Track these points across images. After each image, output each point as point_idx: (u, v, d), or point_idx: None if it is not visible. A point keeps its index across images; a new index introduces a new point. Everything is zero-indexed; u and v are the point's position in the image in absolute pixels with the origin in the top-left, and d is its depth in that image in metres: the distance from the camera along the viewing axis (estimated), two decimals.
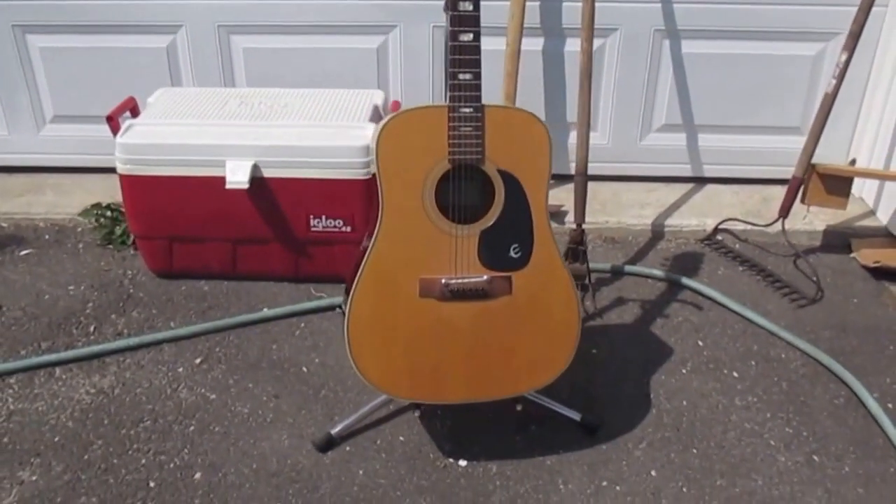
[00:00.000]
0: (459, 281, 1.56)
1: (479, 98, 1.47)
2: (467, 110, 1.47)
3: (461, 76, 1.47)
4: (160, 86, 2.37)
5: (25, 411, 1.77)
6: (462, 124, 1.48)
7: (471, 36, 1.46)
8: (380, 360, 1.59)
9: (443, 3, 1.54)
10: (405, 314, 1.57)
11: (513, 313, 1.59)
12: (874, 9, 2.15)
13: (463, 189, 1.52)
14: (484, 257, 1.56)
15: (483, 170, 1.51)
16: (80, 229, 2.43)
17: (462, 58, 1.46)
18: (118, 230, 2.35)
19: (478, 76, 1.46)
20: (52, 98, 2.54)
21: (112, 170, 2.09)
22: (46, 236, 2.40)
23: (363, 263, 1.54)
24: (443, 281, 1.55)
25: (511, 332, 1.60)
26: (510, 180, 1.53)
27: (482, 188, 1.53)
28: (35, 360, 1.90)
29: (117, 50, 2.45)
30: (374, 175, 1.99)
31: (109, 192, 2.47)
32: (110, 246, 2.35)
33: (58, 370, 1.89)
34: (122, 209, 2.36)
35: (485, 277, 1.56)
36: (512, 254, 1.57)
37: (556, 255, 1.58)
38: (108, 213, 2.39)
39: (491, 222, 1.54)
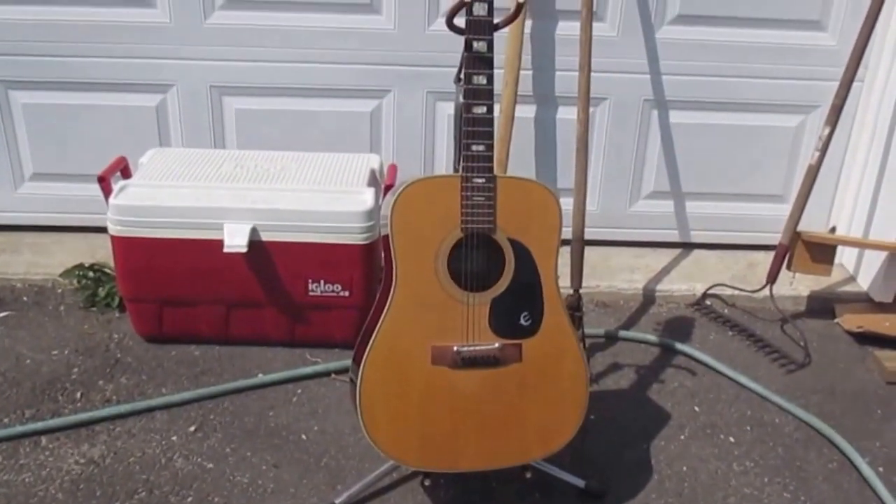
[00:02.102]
0: (471, 349, 1.61)
1: (491, 169, 1.55)
2: (480, 180, 1.55)
3: (474, 147, 1.55)
4: (147, 145, 2.41)
5: (11, 483, 1.75)
6: (475, 194, 1.55)
7: (484, 109, 1.55)
8: (392, 428, 1.63)
9: (453, 75, 1.64)
10: (417, 382, 1.61)
11: (523, 380, 1.65)
12: (853, 83, 2.31)
13: (475, 257, 1.59)
14: (495, 325, 1.62)
15: (494, 239, 1.58)
16: (60, 291, 2.42)
17: (476, 129, 1.55)
18: (102, 291, 2.35)
19: (490, 147, 1.55)
20: (31, 155, 2.55)
21: (94, 229, 2.11)
22: (25, 298, 2.39)
23: (375, 331, 1.58)
24: (455, 349, 1.61)
25: (521, 400, 1.66)
26: (521, 249, 1.60)
27: (493, 257, 1.61)
28: (19, 428, 1.88)
29: (104, 108, 2.48)
30: (373, 241, 2.08)
31: (91, 251, 2.48)
32: (94, 308, 2.34)
33: (44, 439, 1.87)
34: (106, 269, 2.37)
35: (496, 345, 1.62)
36: (522, 321, 1.64)
37: (566, 322, 1.65)
38: (91, 274, 2.39)
39: (502, 290, 1.60)
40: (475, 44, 1.52)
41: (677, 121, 2.54)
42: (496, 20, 1.52)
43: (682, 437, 1.96)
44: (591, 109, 2.47)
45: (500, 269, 1.60)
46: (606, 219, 2.66)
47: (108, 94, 2.47)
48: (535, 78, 2.46)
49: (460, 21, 1.51)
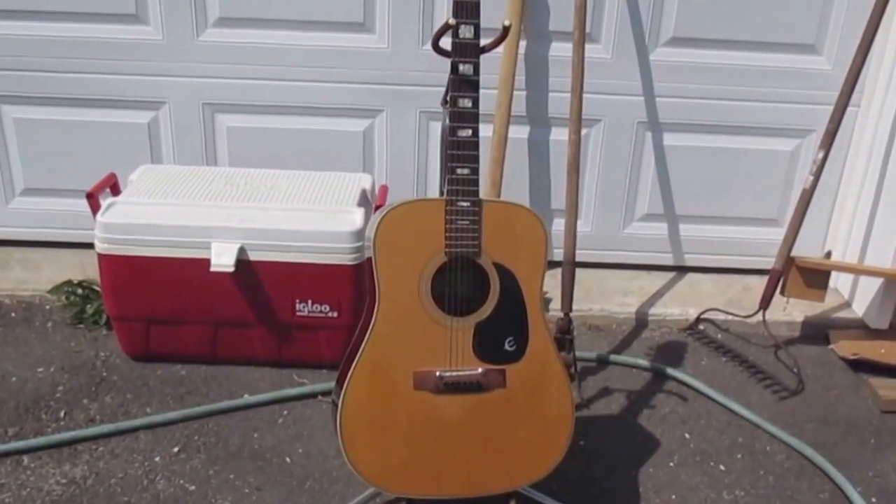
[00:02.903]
0: (454, 374, 1.61)
1: (476, 192, 1.55)
2: (465, 204, 1.55)
3: (459, 171, 1.55)
4: (139, 162, 2.43)
5: None
6: (459, 218, 1.55)
7: (469, 132, 1.55)
8: (373, 453, 1.62)
9: (441, 97, 1.64)
10: (399, 407, 1.61)
11: (507, 406, 1.64)
12: (848, 108, 2.31)
13: (459, 281, 1.59)
14: (479, 350, 1.61)
15: (479, 263, 1.58)
16: (48, 307, 2.42)
17: (461, 153, 1.54)
18: (90, 309, 2.35)
19: (475, 171, 1.55)
20: (23, 170, 2.56)
21: (84, 245, 2.11)
22: (13, 314, 2.39)
23: (358, 354, 1.58)
24: (437, 373, 1.60)
25: (506, 426, 1.65)
26: (506, 274, 1.60)
27: (478, 281, 1.60)
28: (1, 447, 1.87)
29: (96, 124, 2.50)
30: (362, 262, 2.07)
31: (81, 268, 2.48)
32: (81, 325, 2.34)
33: (26, 458, 1.86)
34: (95, 287, 2.37)
35: (479, 370, 1.61)
36: (507, 347, 1.63)
37: (551, 348, 1.64)
38: (80, 291, 2.39)
39: (486, 315, 1.60)
40: (461, 66, 1.52)
41: (671, 143, 2.54)
42: (483, 43, 1.52)
43: (672, 464, 1.95)
44: (584, 131, 2.50)
45: (484, 293, 1.60)
46: (600, 241, 2.66)
47: (101, 110, 2.48)
48: (529, 99, 2.46)
49: (447, 43, 1.51)
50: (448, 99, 1.55)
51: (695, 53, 2.43)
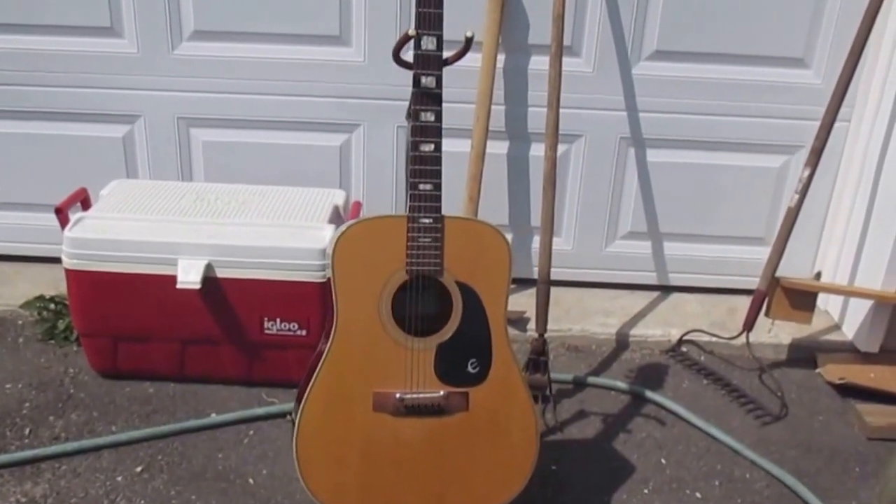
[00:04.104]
0: (414, 396, 1.58)
1: (438, 209, 1.53)
2: (427, 221, 1.53)
3: (421, 186, 1.53)
4: (115, 176, 2.42)
5: None
6: (421, 235, 1.53)
7: (432, 146, 1.53)
8: (330, 475, 1.60)
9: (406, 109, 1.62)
10: (358, 429, 1.58)
11: (469, 430, 1.61)
12: (838, 123, 2.28)
13: (420, 301, 1.56)
14: (440, 372, 1.59)
15: (441, 281, 1.55)
16: (20, 322, 2.40)
17: (422, 168, 1.52)
18: (61, 324, 2.34)
19: (438, 187, 1.53)
20: None
21: (58, 260, 2.09)
22: None
23: (316, 373, 1.56)
24: (397, 395, 1.57)
25: (468, 450, 1.62)
26: (468, 293, 1.57)
27: (440, 300, 1.58)
28: None
29: (71, 138, 2.49)
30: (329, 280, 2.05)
31: (55, 283, 2.46)
32: (52, 341, 2.33)
33: None
34: (67, 302, 2.35)
35: (441, 393, 1.59)
36: (469, 369, 1.60)
37: (515, 370, 1.61)
38: (52, 306, 2.38)
39: (448, 336, 1.57)
40: (423, 79, 1.50)
41: (655, 159, 2.50)
42: (446, 55, 1.50)
43: (646, 490, 1.91)
44: (565, 147, 2.47)
45: (447, 313, 1.57)
46: (581, 259, 2.62)
47: (76, 123, 2.48)
48: (508, 113, 2.44)
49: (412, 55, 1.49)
50: (410, 113, 1.53)
51: (679, 67, 2.39)
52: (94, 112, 2.46)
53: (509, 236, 2.58)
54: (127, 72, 2.41)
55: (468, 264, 1.56)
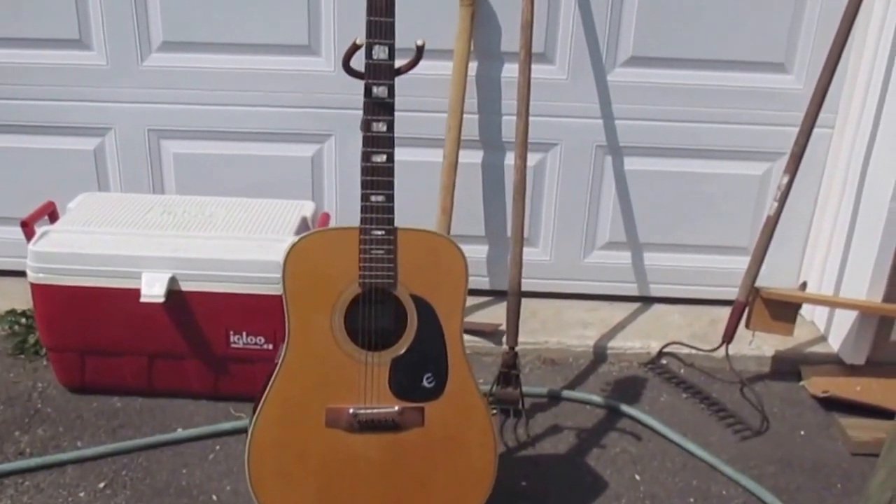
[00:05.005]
0: (368, 411, 1.55)
1: (391, 220, 1.51)
2: (379, 233, 1.51)
3: (373, 198, 1.51)
4: (86, 189, 2.41)
5: None
6: (373, 247, 1.51)
7: (384, 157, 1.51)
8: (283, 492, 1.58)
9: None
10: (311, 445, 1.56)
11: (426, 447, 1.59)
12: (820, 130, 2.24)
13: (374, 314, 1.54)
14: (395, 387, 1.56)
15: (395, 295, 1.53)
16: None
17: (375, 179, 1.50)
18: (31, 339, 2.33)
19: (390, 198, 1.51)
20: None
21: None
22: None
23: (268, 387, 1.54)
24: (350, 411, 1.55)
25: (424, 467, 1.59)
26: (423, 306, 1.55)
27: (394, 314, 1.55)
28: None
29: (41, 151, 2.48)
30: None
31: (27, 297, 2.45)
32: (22, 356, 2.32)
33: None
34: None
35: (395, 408, 1.56)
36: (425, 383, 1.58)
37: (472, 385, 1.59)
38: (23, 321, 2.38)
39: (403, 350, 1.55)
40: (375, 89, 1.48)
41: (633, 168, 2.47)
42: (398, 64, 1.48)
43: None
44: (540, 155, 2.45)
45: (401, 326, 1.55)
46: (559, 270, 2.59)
47: (46, 136, 2.47)
48: (482, 122, 2.41)
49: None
50: (362, 124, 1.51)
51: (655, 73, 2.36)
52: (64, 125, 2.46)
53: (485, 248, 2.58)
54: (96, 84, 2.40)
55: (423, 277, 1.54)
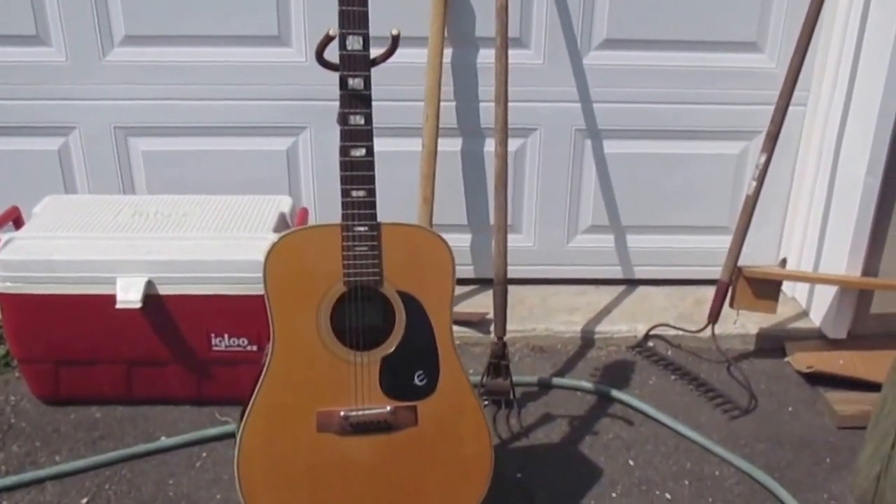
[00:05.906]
0: (360, 413, 1.51)
1: (374, 216, 1.45)
2: (362, 229, 1.46)
3: (354, 193, 1.46)
4: (52, 192, 2.31)
5: None
6: (357, 244, 1.46)
7: (363, 151, 1.45)
8: (274, 497, 1.52)
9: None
10: (302, 451, 1.51)
11: (420, 446, 1.54)
12: (794, 108, 2.22)
13: (361, 313, 1.49)
14: (386, 386, 1.52)
15: (382, 292, 1.48)
16: None
17: (354, 174, 1.45)
18: (1, 350, 2.25)
19: (372, 192, 1.45)
20: None
21: None
22: None
23: (256, 391, 1.48)
24: (342, 413, 1.50)
25: (419, 467, 1.55)
26: (411, 302, 1.50)
27: (382, 311, 1.50)
28: None
29: (1, 153, 2.38)
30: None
31: None
32: None
33: None
34: None
35: (388, 408, 1.52)
36: (416, 381, 1.53)
37: (464, 380, 1.55)
38: None
39: (392, 348, 1.50)
40: (350, 81, 1.42)
41: (612, 151, 2.44)
42: (374, 54, 1.43)
43: (614, 494, 1.85)
44: (520, 141, 2.41)
45: (389, 324, 1.50)
46: (544, 256, 2.56)
47: (6, 138, 2.37)
48: (460, 109, 2.36)
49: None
50: (339, 117, 1.45)
51: (630, 56, 2.33)
52: (24, 125, 2.36)
53: (468, 236, 2.53)
54: (57, 81, 2.31)
55: (409, 272, 1.49)
